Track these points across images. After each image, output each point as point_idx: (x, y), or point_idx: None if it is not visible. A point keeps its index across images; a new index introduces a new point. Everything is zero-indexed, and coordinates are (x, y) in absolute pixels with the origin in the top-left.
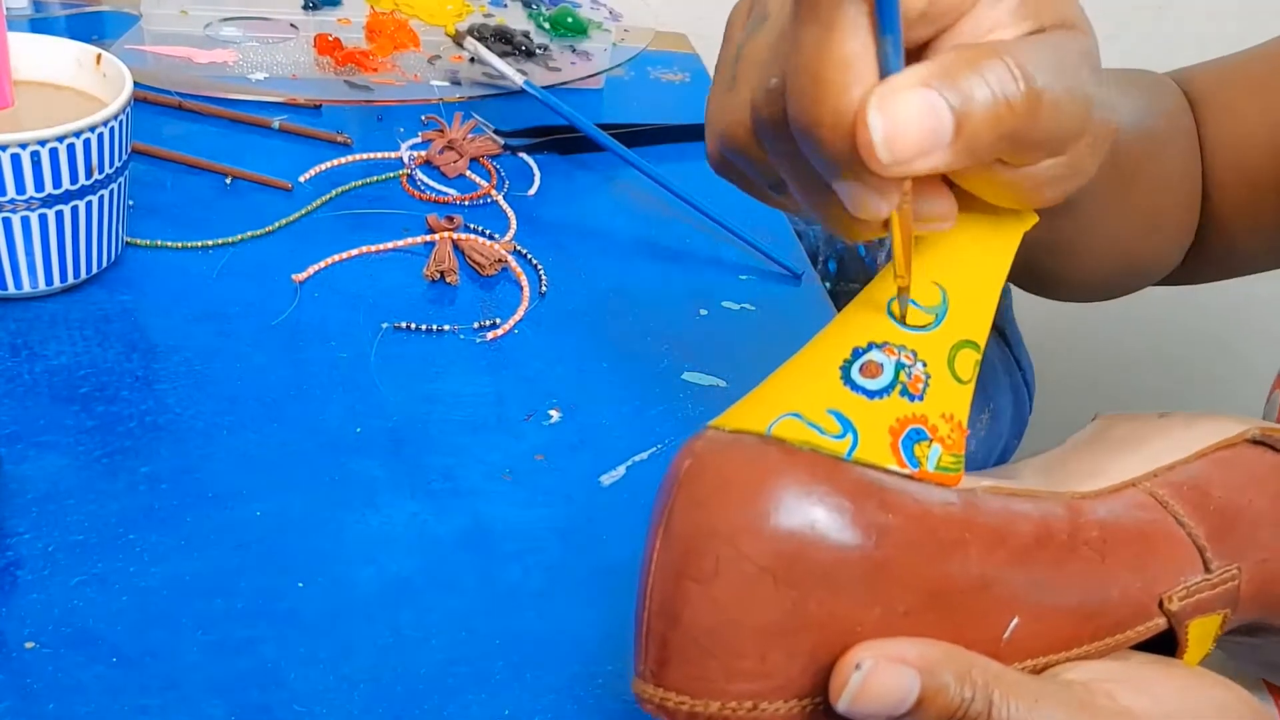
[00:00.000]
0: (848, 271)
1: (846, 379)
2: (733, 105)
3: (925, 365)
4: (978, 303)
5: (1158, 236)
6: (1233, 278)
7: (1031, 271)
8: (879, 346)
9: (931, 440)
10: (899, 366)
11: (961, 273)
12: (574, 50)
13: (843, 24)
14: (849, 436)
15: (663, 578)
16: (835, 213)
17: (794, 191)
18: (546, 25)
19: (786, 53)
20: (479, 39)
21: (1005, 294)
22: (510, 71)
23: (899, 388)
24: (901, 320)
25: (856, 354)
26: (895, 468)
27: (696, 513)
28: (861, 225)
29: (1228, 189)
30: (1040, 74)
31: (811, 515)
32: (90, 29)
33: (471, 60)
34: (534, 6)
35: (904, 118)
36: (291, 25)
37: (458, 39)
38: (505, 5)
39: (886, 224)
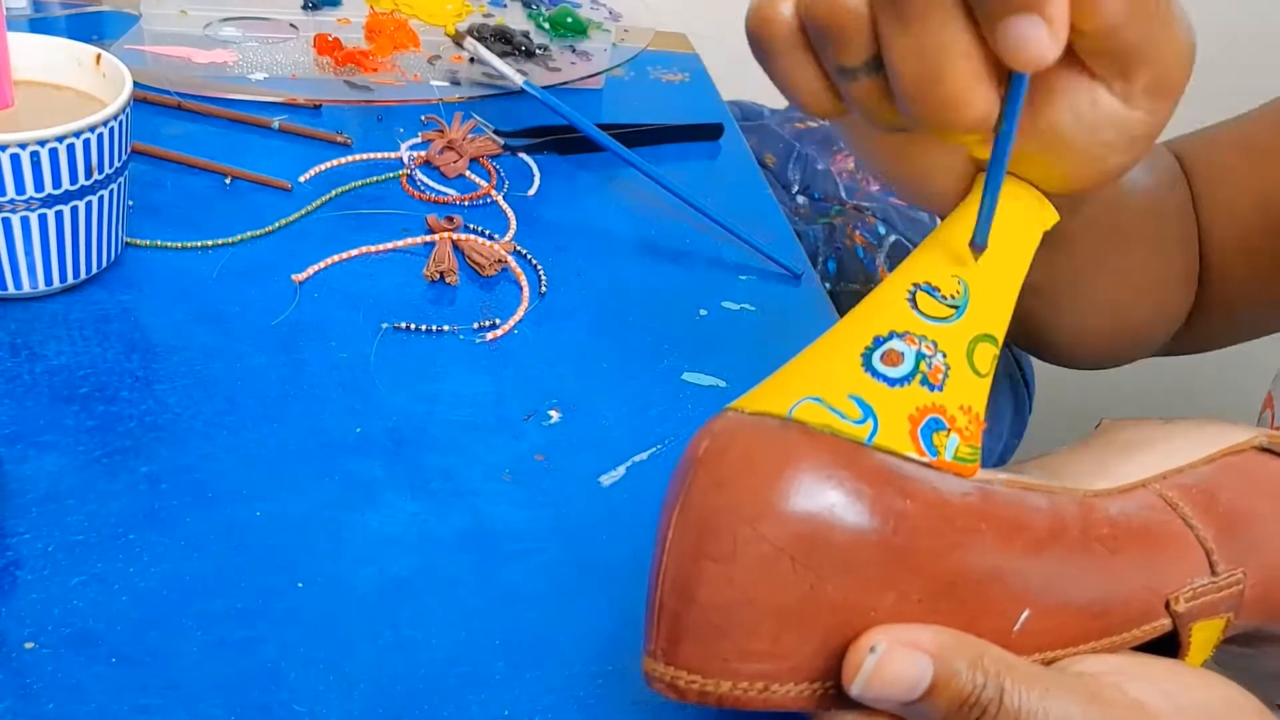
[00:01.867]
0: (847, 272)
1: (868, 366)
2: None
3: (945, 356)
4: (998, 297)
5: (1152, 302)
6: (1235, 344)
7: (1026, 322)
8: (900, 335)
9: (950, 430)
10: (919, 356)
11: (983, 267)
12: (574, 50)
13: None
14: (870, 422)
15: (678, 556)
16: (948, 79)
17: (903, 63)
18: (546, 25)
19: None
20: (479, 39)
21: None
22: (510, 71)
23: (919, 377)
24: (924, 311)
25: (878, 342)
26: (914, 455)
27: (715, 492)
28: (969, 96)
29: (1225, 257)
30: None
31: (831, 499)
32: (90, 29)
33: (471, 60)
34: (534, 6)
35: None
36: (291, 25)
37: (457, 39)
38: (505, 5)
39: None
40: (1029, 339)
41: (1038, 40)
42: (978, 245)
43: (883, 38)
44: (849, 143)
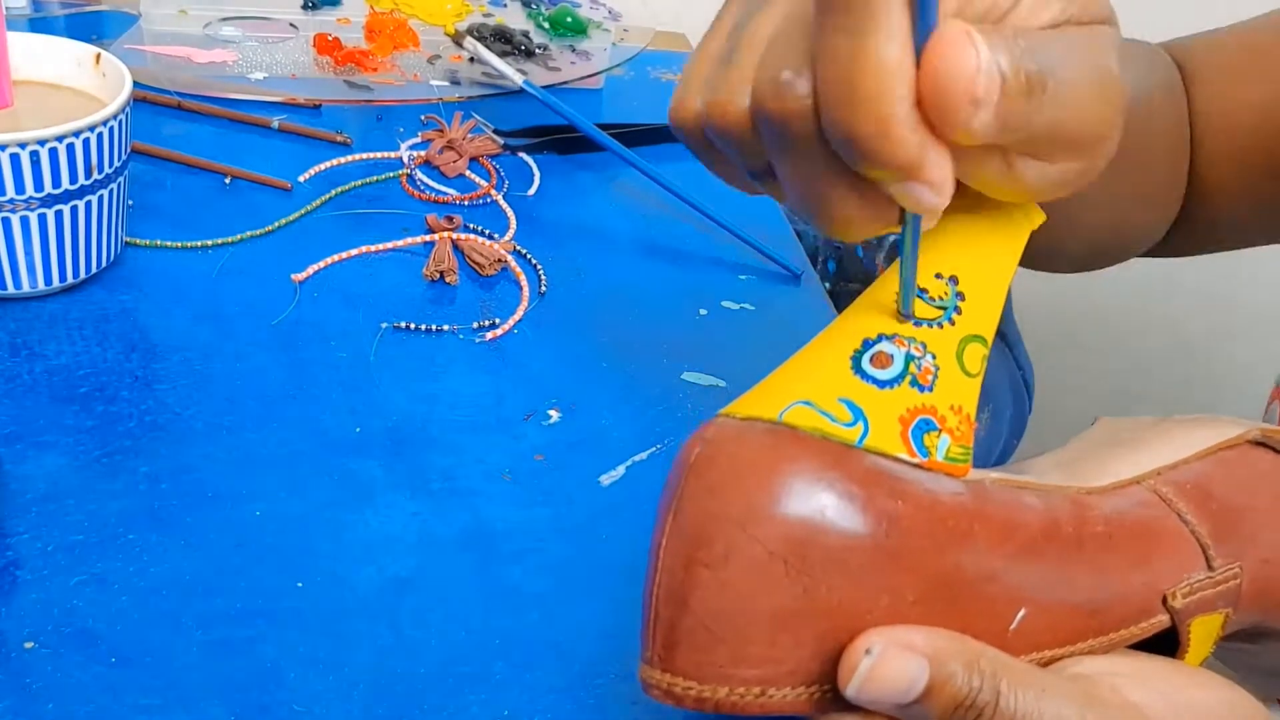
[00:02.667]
0: (846, 271)
1: (857, 369)
2: (727, 83)
3: (934, 358)
4: (986, 298)
5: (1146, 209)
6: (1217, 251)
7: None
8: (889, 338)
9: (940, 431)
10: (909, 358)
11: (971, 268)
12: (573, 50)
13: (880, 30)
14: (860, 425)
15: (672, 563)
16: (834, 210)
17: (790, 185)
18: (546, 25)
19: (811, 53)
20: (478, 39)
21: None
22: (509, 71)
23: (909, 378)
24: (909, 314)
25: (867, 345)
26: (905, 457)
27: (707, 498)
28: (860, 224)
29: (1216, 163)
30: (1043, 62)
31: (823, 502)
32: (89, 29)
33: (471, 60)
34: (533, 6)
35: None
36: (291, 25)
37: (457, 39)
38: (505, 5)
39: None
40: (1024, 258)
41: (924, 199)
42: (905, 314)
43: (770, 158)
44: None
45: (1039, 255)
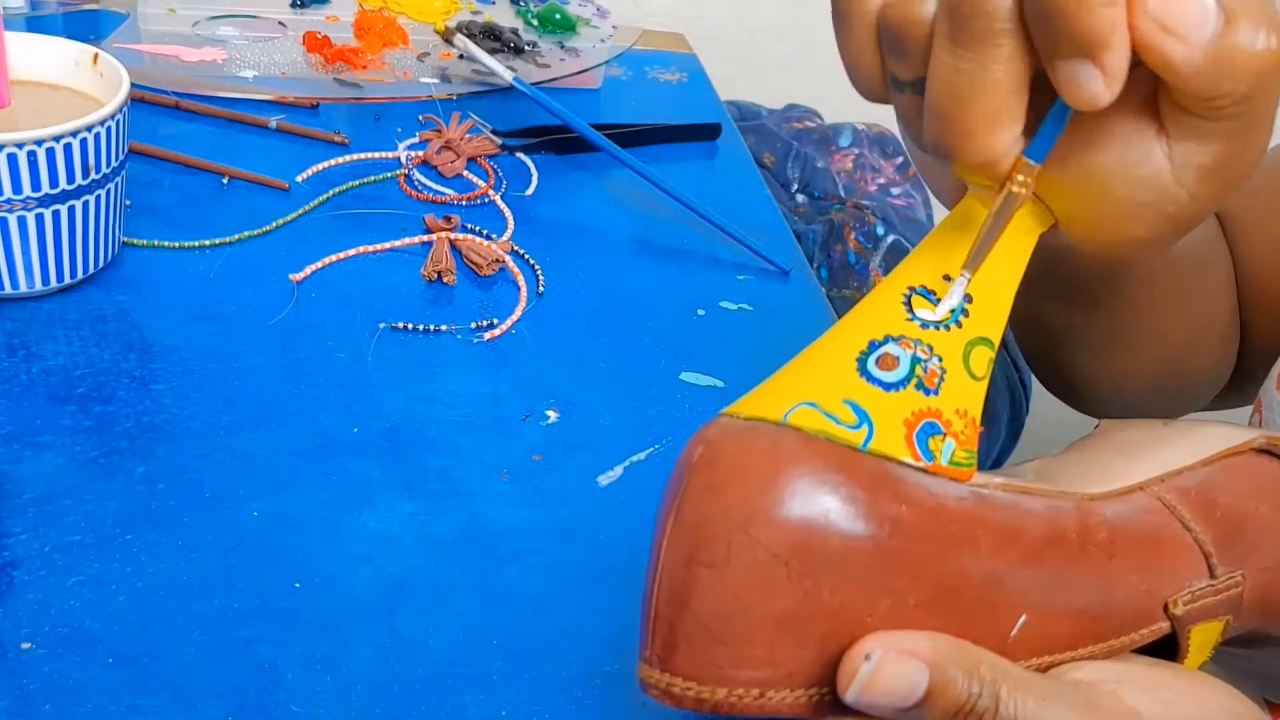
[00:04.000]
0: (838, 278)
1: (863, 370)
2: None
3: (941, 360)
4: (995, 301)
5: (1201, 349)
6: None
7: (1066, 371)
8: (895, 340)
9: (945, 434)
10: (915, 360)
11: (980, 271)
12: (563, 47)
13: None
14: (864, 427)
15: (673, 563)
16: (981, 103)
17: (943, 79)
18: (534, 22)
19: None
20: (468, 35)
21: None
22: (499, 68)
23: (914, 381)
24: (920, 315)
25: (873, 346)
26: (909, 460)
27: (709, 499)
28: (996, 122)
29: (1258, 307)
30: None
31: (826, 504)
32: (87, 28)
33: (461, 57)
34: (521, 3)
35: None
36: (280, 23)
37: (447, 36)
38: (493, 2)
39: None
40: (1067, 389)
41: (1091, 86)
42: (972, 266)
43: (932, 52)
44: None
45: (1076, 382)
